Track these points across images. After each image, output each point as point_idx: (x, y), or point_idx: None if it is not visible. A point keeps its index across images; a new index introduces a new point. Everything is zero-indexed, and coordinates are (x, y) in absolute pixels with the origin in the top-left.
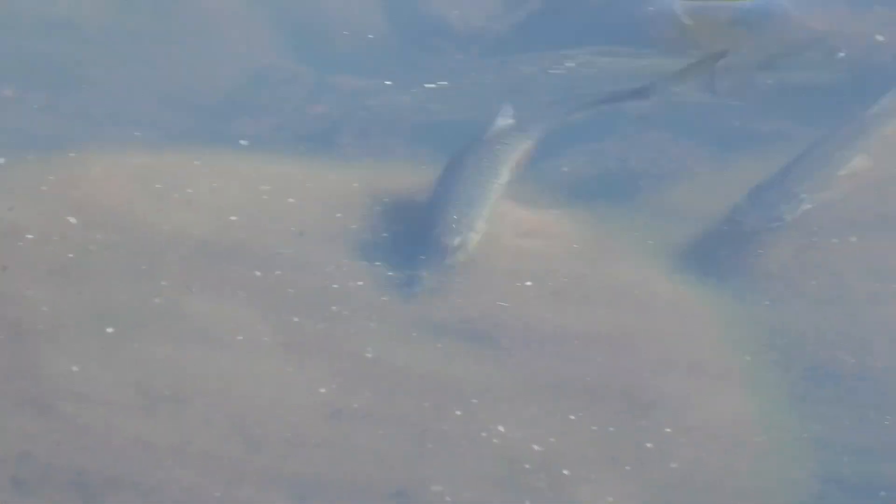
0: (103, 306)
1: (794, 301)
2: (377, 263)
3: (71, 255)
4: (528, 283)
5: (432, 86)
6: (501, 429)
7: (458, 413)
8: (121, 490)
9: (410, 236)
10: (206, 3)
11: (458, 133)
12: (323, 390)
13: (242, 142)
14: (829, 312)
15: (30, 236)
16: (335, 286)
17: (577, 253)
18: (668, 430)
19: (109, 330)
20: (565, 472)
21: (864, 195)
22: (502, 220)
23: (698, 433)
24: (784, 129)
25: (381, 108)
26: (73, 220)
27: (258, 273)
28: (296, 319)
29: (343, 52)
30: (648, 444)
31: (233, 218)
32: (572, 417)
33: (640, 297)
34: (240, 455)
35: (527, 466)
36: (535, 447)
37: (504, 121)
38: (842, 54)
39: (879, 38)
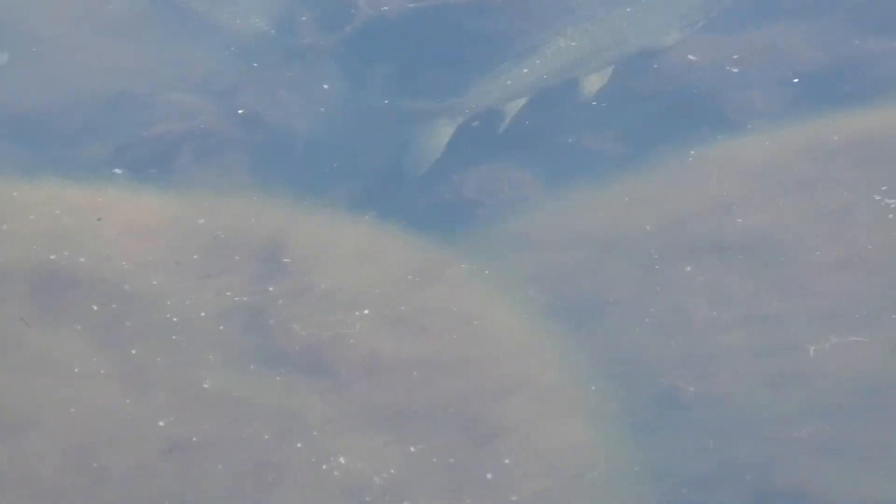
0: None
1: (635, 329)
2: (215, 294)
3: None
4: (367, 312)
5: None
6: (342, 460)
7: (299, 445)
8: None
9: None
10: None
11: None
12: (161, 423)
13: (117, 170)
14: (669, 340)
15: None
16: (174, 318)
17: (414, 281)
18: (508, 461)
19: None
20: None
21: (699, 223)
22: (335, 248)
23: (539, 464)
24: (615, 150)
25: (221, 131)
26: None
27: (95, 307)
28: (133, 351)
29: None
30: (489, 475)
31: (65, 251)
32: (413, 449)
33: (479, 325)
34: (78, 489)
35: (367, 499)
36: (376, 479)
37: None
38: (655, 66)
39: (692, 57)
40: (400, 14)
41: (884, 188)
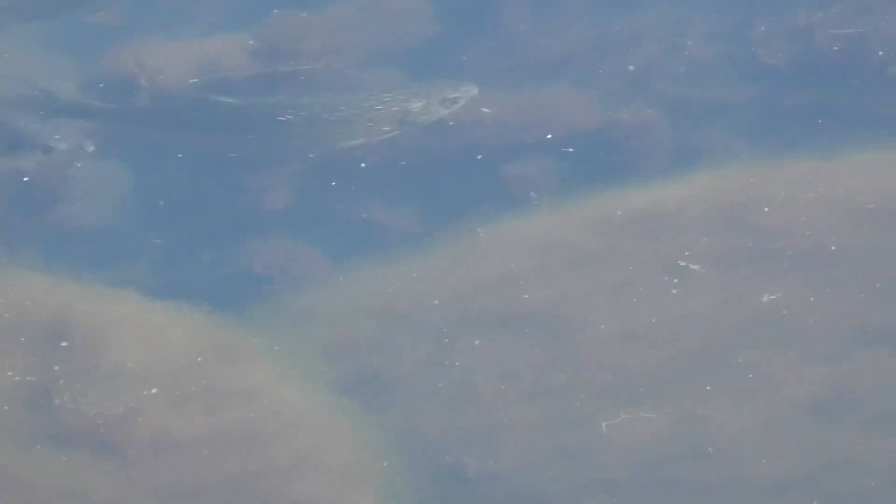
0: None
1: (424, 404)
2: None
3: None
4: (154, 391)
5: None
6: None
7: None
8: None
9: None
10: None
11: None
12: None
13: None
14: (457, 415)
15: None
16: None
17: (204, 358)
18: None
19: None
20: None
21: (487, 297)
22: (123, 327)
23: None
24: (405, 226)
25: (4, 208)
26: None
27: None
28: None
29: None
30: None
31: None
32: None
33: (269, 402)
34: None
35: None
36: None
37: None
38: (451, 123)
39: (486, 110)
40: (182, 90)
41: (687, 253)
